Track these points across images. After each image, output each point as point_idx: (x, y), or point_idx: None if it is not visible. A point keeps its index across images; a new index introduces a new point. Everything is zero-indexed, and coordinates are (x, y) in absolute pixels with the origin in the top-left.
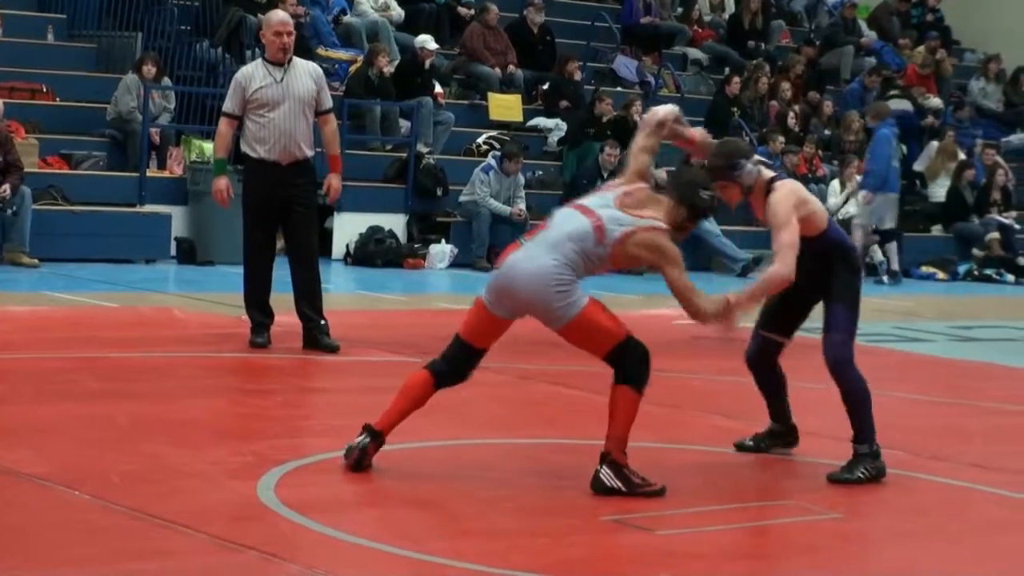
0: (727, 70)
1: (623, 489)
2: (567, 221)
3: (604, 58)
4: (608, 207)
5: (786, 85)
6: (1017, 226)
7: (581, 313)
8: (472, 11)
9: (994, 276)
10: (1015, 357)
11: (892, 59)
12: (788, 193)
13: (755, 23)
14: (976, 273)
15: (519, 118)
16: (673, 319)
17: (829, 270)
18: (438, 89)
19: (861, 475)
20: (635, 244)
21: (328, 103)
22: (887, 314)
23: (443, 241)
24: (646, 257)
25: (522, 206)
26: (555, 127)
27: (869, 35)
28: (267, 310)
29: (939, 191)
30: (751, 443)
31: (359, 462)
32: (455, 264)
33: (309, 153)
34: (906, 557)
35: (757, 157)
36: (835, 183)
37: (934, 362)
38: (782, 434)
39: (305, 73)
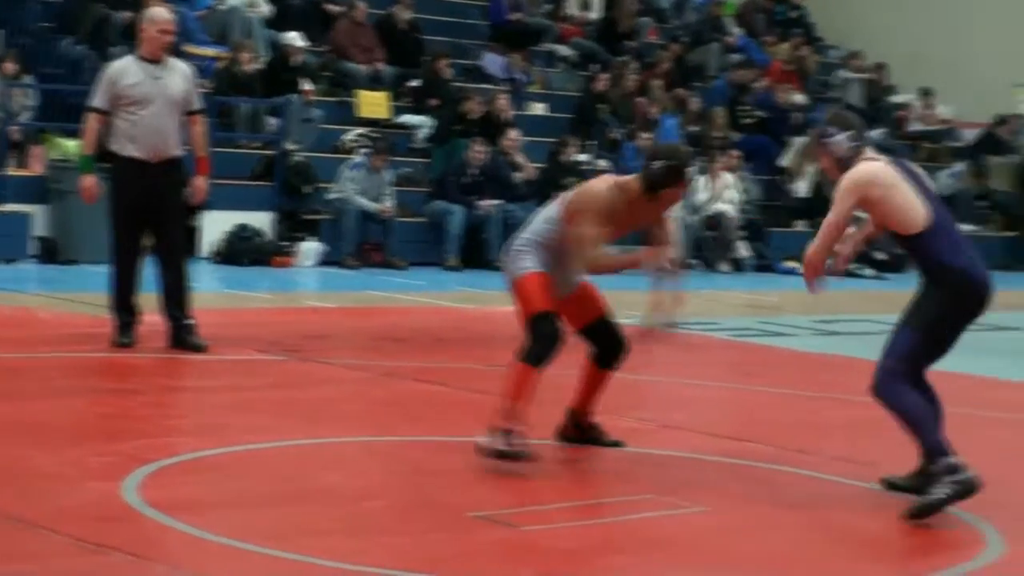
0: (597, 67)
1: (496, 449)
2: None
3: (472, 55)
4: None
5: (658, 82)
6: None
7: (519, 279)
8: (340, 8)
9: (854, 271)
10: (875, 351)
11: (757, 55)
12: (856, 174)
13: (629, 25)
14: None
15: (387, 115)
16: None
17: (924, 283)
18: (306, 86)
19: (936, 500)
20: (573, 197)
21: (199, 103)
22: (751, 309)
23: (312, 239)
24: (574, 205)
25: (390, 203)
26: (423, 124)
27: (735, 32)
28: (133, 310)
29: (804, 187)
30: (903, 483)
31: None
32: (324, 262)
33: (179, 152)
34: (770, 550)
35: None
36: (702, 179)
37: (797, 356)
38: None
39: (178, 72)
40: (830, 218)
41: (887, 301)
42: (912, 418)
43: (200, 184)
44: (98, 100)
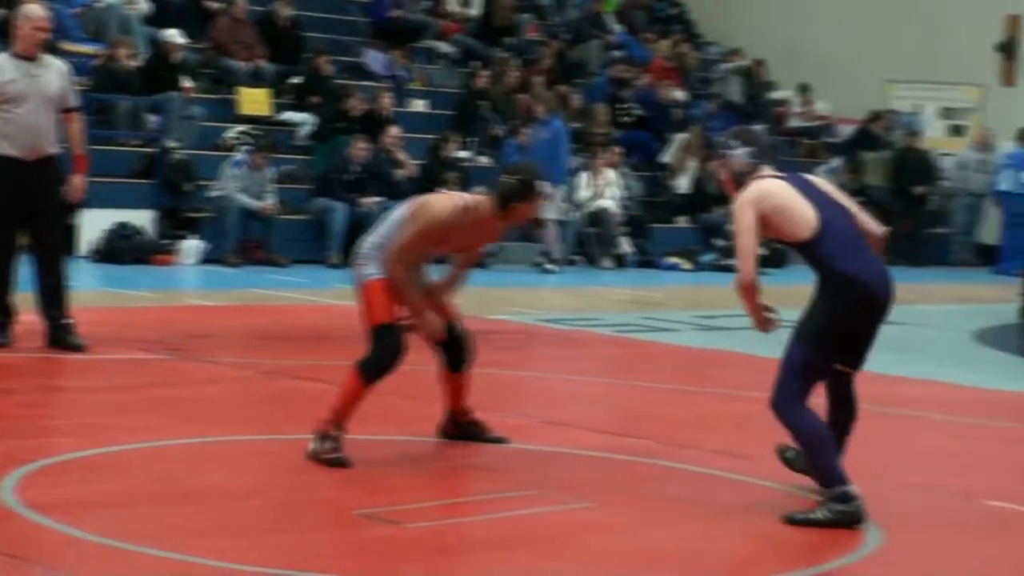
0: (477, 63)
1: (318, 453)
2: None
3: (353, 52)
4: None
5: (539, 78)
6: None
7: (364, 284)
8: (220, 5)
9: (735, 266)
10: (755, 345)
11: (638, 52)
12: (747, 194)
13: (506, 19)
14: (719, 263)
15: (268, 112)
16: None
17: (816, 289)
18: (187, 83)
19: (814, 518)
20: (417, 204)
21: (75, 100)
22: (634, 304)
23: (193, 236)
24: (414, 211)
25: (272, 201)
26: (304, 121)
27: (616, 29)
28: (9, 309)
29: (685, 183)
30: (797, 464)
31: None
32: (205, 260)
33: (55, 150)
34: (655, 545)
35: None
36: (584, 175)
37: (679, 351)
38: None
39: (54, 69)
40: (743, 241)
41: (768, 295)
42: (806, 440)
43: (77, 182)
44: None
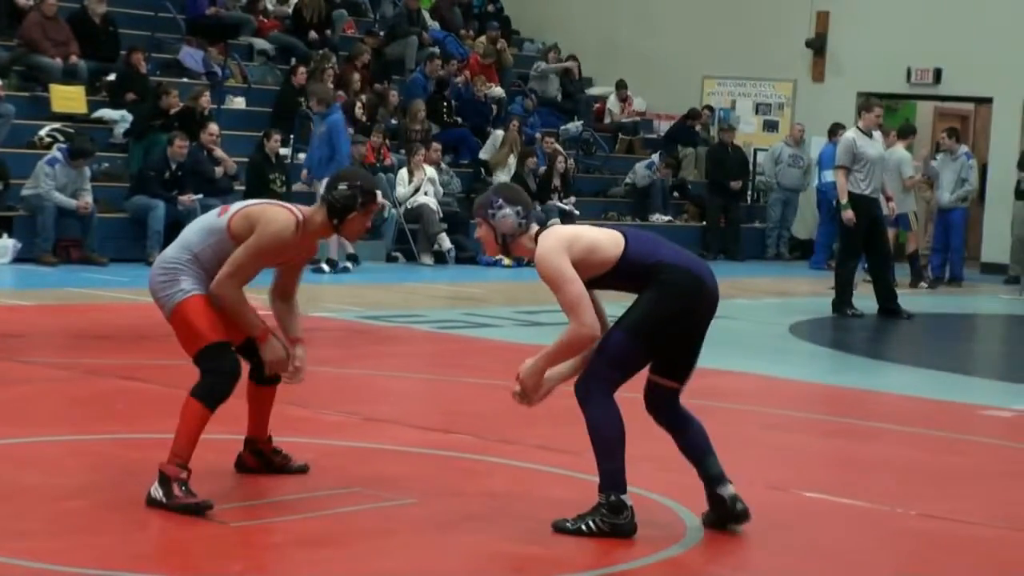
0: (293, 60)
1: (163, 501)
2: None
3: (169, 49)
4: None
5: (356, 75)
6: (576, 212)
7: (178, 306)
8: (30, 1)
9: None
10: None
11: (456, 49)
12: (551, 243)
13: (316, 15)
14: None
15: (83, 109)
16: None
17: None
18: None
19: (584, 527)
20: (245, 215)
21: None
22: (454, 300)
23: (5, 236)
24: (244, 228)
25: (88, 199)
26: (121, 119)
27: (432, 25)
28: None
29: (504, 179)
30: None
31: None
32: (19, 259)
33: None
34: (476, 541)
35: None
36: (403, 172)
37: (501, 347)
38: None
39: None
40: (572, 291)
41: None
42: (600, 436)
43: None
44: None
